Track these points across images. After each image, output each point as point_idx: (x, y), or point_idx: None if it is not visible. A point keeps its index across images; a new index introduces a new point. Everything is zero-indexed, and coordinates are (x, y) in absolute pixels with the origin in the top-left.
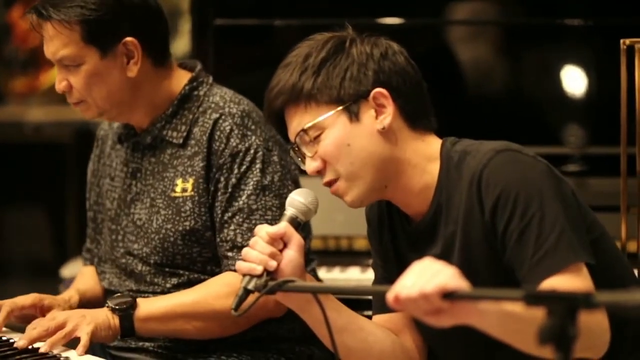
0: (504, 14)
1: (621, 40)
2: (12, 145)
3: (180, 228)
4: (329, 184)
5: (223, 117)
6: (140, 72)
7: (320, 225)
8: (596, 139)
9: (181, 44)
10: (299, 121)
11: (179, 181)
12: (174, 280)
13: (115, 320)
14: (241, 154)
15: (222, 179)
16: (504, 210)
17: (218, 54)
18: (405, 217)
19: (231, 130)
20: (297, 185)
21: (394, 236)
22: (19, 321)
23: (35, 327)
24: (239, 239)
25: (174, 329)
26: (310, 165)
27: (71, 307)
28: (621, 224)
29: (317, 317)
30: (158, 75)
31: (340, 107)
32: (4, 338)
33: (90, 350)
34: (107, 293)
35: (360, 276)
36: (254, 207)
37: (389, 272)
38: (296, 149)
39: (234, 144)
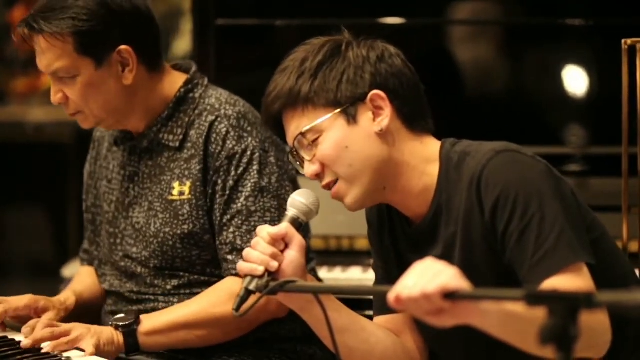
0: (505, 14)
1: (622, 40)
2: (13, 145)
3: (179, 231)
4: (328, 186)
5: (219, 119)
6: (135, 79)
7: (321, 225)
8: (597, 139)
9: (182, 44)
10: (296, 125)
11: (175, 184)
12: (174, 282)
13: (119, 337)
14: (238, 156)
15: (219, 181)
16: (503, 210)
17: (219, 54)
18: (406, 219)
19: (227, 132)
20: (295, 185)
21: (395, 238)
22: (14, 321)
23: (29, 327)
24: (238, 242)
25: (178, 340)
26: (309, 169)
27: (67, 309)
28: (622, 224)
29: (318, 318)
30: (153, 80)
31: (338, 110)
32: (8, 337)
33: None
34: (108, 295)
35: (361, 276)
36: (253, 209)
37: (390, 274)
38: (295, 153)
39: (231, 146)
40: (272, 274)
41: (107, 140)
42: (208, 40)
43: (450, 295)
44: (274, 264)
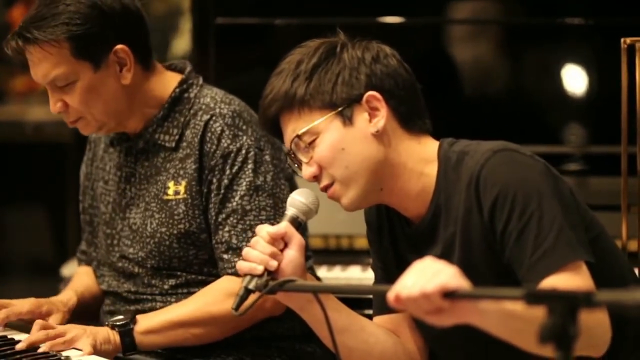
0: (505, 13)
1: (622, 39)
2: (13, 144)
3: (175, 231)
4: (325, 188)
5: (214, 118)
6: (133, 78)
7: (321, 224)
8: (597, 138)
9: (182, 43)
10: (293, 127)
11: (170, 184)
12: (172, 282)
13: (115, 337)
14: (232, 155)
15: (214, 180)
16: (502, 210)
17: (219, 53)
18: (405, 220)
19: (222, 131)
20: (291, 184)
21: (394, 238)
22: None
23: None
24: (233, 241)
25: (175, 339)
26: (307, 171)
27: (70, 310)
28: (622, 223)
29: (317, 317)
30: (148, 80)
31: (334, 112)
32: (7, 337)
33: None
34: (106, 295)
35: (361, 275)
36: (248, 207)
37: (389, 274)
38: (292, 155)
39: (225, 145)
40: (271, 273)
41: (103, 141)
42: (208, 39)
43: (449, 295)
44: (274, 263)
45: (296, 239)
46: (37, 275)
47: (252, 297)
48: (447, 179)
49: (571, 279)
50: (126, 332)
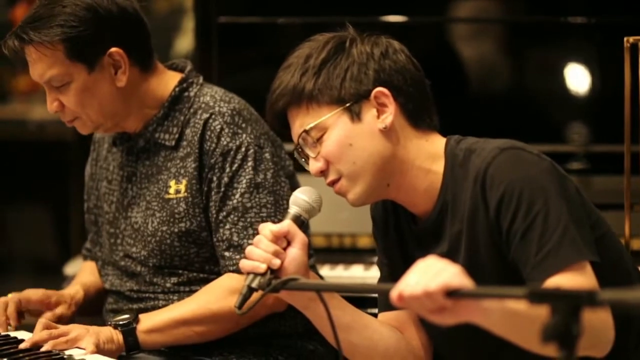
0: (507, 12)
1: (625, 38)
2: (16, 143)
3: (176, 229)
4: (332, 183)
5: (213, 116)
6: (129, 80)
7: (323, 223)
8: (599, 136)
9: (184, 42)
10: (301, 122)
11: (172, 182)
12: (174, 280)
13: (118, 336)
14: (232, 152)
15: (214, 178)
16: (508, 208)
17: (221, 52)
18: (411, 216)
19: (222, 129)
20: (292, 182)
21: (400, 235)
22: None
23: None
24: (235, 238)
25: (177, 337)
26: (314, 166)
27: (77, 303)
28: (624, 221)
29: (321, 315)
30: (146, 80)
31: (342, 107)
32: (10, 335)
33: None
34: (109, 294)
35: (363, 274)
36: (248, 205)
37: (395, 270)
38: (300, 150)
39: (225, 143)
40: (274, 272)
41: (106, 141)
42: (210, 38)
43: (452, 293)
44: (276, 262)
45: (299, 237)
46: (40, 274)
47: (255, 296)
48: (454, 176)
49: (575, 279)
50: (129, 331)
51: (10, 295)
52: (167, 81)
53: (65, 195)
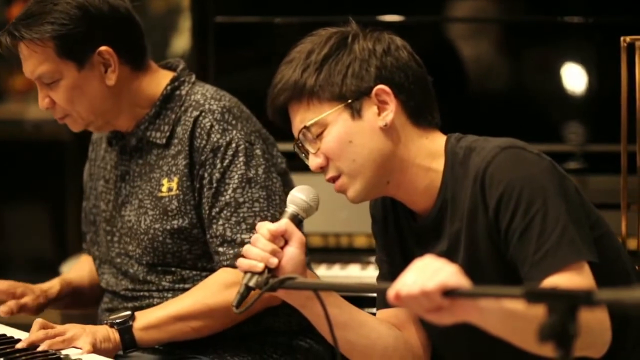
0: (505, 12)
1: (621, 38)
2: (12, 142)
3: (168, 227)
4: (332, 180)
5: (203, 113)
6: (119, 79)
7: (320, 223)
8: (597, 136)
9: (181, 42)
10: (301, 118)
11: (164, 181)
12: (168, 278)
13: (115, 335)
14: (222, 148)
15: (205, 175)
16: (507, 207)
17: (218, 51)
18: (410, 213)
19: (211, 126)
20: (284, 179)
21: (400, 232)
22: None
23: (6, 306)
24: (228, 233)
25: (174, 334)
26: (314, 162)
27: (47, 297)
28: (621, 221)
29: (318, 314)
30: (138, 80)
31: (343, 104)
32: (7, 335)
33: None
34: (105, 293)
35: (360, 273)
36: (241, 200)
37: (395, 267)
38: (300, 145)
39: (215, 139)
40: (271, 271)
41: (104, 141)
42: (207, 37)
43: (449, 293)
44: (274, 261)
45: (296, 236)
46: (37, 273)
47: (252, 295)
48: (454, 174)
49: (573, 279)
50: (125, 329)
51: None
52: (160, 80)
53: (61, 195)
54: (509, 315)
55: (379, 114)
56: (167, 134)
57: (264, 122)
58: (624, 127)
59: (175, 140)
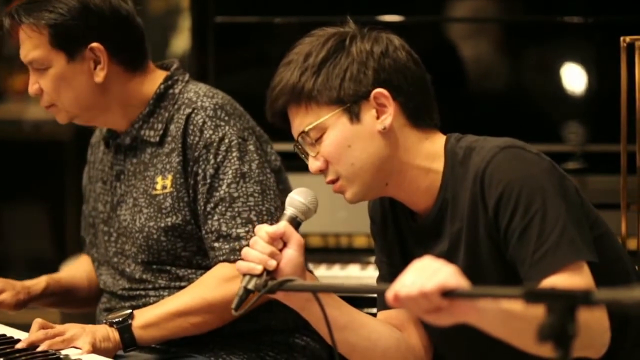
0: (505, 12)
1: (621, 38)
2: (12, 142)
3: (162, 224)
4: (331, 182)
5: (195, 111)
6: (108, 77)
7: (320, 223)
8: (596, 136)
9: (181, 42)
10: (300, 122)
11: (158, 179)
12: (164, 276)
13: (114, 334)
14: (215, 144)
15: (199, 171)
16: (506, 207)
17: (218, 51)
18: (410, 213)
19: (204, 122)
20: (278, 176)
21: (399, 231)
22: None
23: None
24: (223, 228)
25: (174, 330)
26: (313, 165)
27: (29, 294)
28: (621, 221)
29: (318, 316)
30: (131, 79)
31: (341, 108)
32: (7, 335)
33: None
34: (103, 293)
35: (360, 274)
36: (235, 195)
37: (395, 268)
38: (299, 146)
39: (207, 135)
40: (270, 273)
41: (102, 144)
42: (207, 38)
43: (448, 294)
44: (273, 263)
45: (295, 238)
46: (36, 273)
47: (252, 297)
48: (454, 174)
49: (572, 279)
50: (125, 328)
51: None
52: (154, 80)
53: (61, 195)
54: (507, 315)
55: (377, 118)
56: (161, 132)
57: (264, 121)
58: (623, 127)
59: (169, 138)
